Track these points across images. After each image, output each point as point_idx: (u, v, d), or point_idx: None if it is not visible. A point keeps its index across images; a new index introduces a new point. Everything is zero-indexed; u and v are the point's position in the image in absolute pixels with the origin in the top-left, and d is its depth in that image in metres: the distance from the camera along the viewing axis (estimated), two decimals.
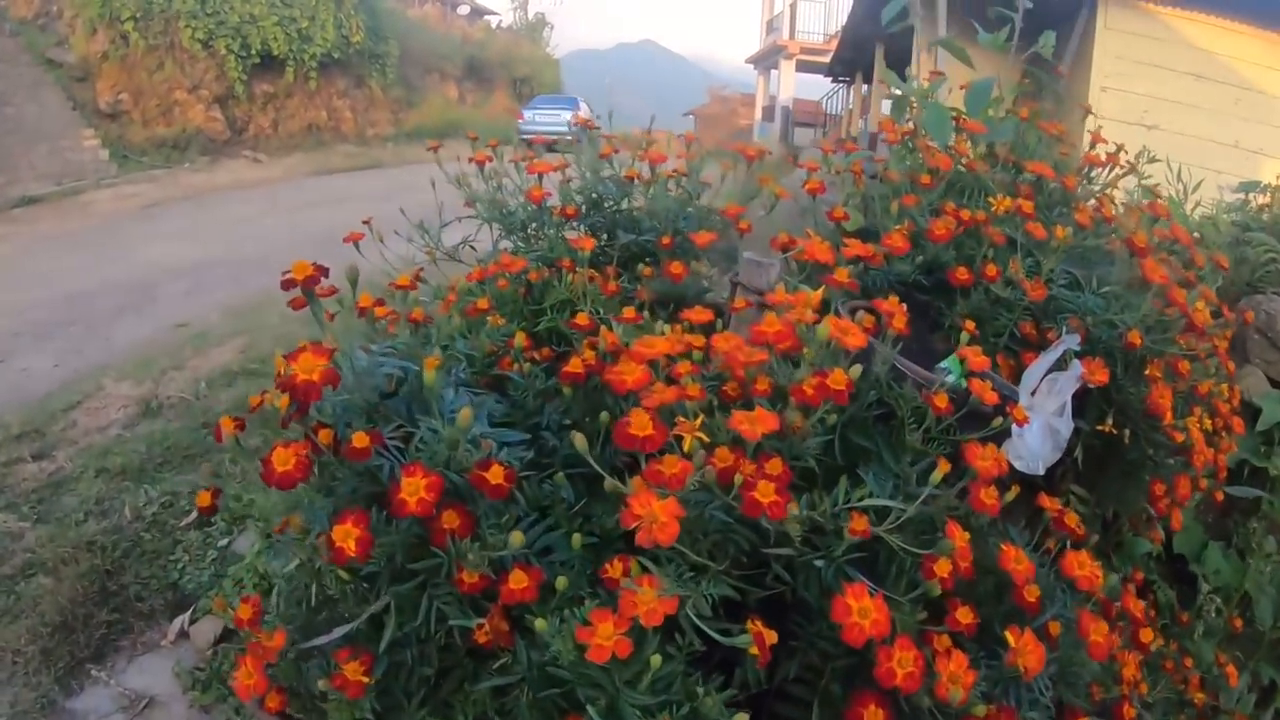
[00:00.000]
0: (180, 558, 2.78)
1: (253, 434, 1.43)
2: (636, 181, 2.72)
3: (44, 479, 3.37)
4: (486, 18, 36.22)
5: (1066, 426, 1.71)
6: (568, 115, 21.74)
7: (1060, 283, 2.14)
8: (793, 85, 25.27)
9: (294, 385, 1.22)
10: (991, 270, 2.09)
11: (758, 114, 28.57)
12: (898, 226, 2.21)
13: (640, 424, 1.27)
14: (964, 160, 2.60)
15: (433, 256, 2.79)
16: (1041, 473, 1.66)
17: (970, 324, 1.94)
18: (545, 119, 21.41)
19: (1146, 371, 2.02)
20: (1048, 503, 1.65)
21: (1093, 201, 2.68)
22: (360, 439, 1.27)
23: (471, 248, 2.89)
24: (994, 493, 1.40)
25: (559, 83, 31.13)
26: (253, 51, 16.72)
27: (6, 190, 12.25)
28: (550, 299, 2.39)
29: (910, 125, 2.94)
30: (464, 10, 35.67)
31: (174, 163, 14.29)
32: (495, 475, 1.32)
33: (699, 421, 1.34)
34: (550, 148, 15.28)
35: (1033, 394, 1.73)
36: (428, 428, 1.38)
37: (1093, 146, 2.81)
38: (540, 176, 2.59)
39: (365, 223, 2.81)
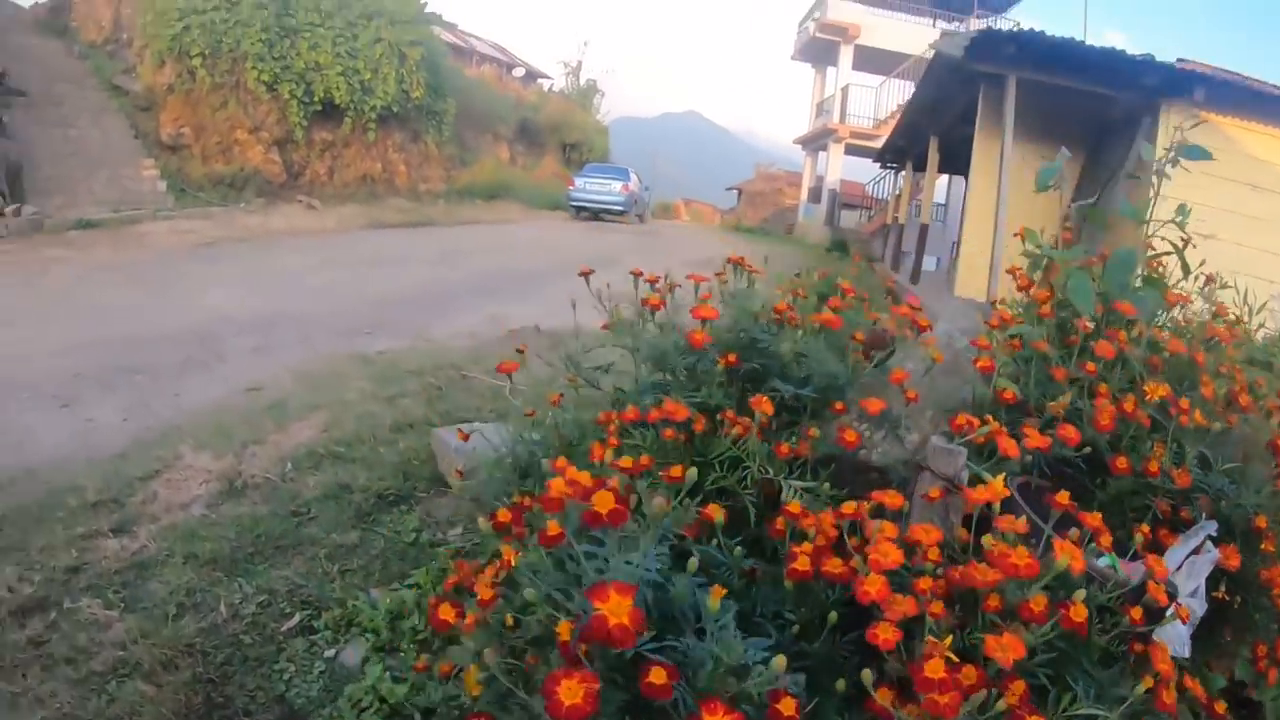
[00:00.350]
0: (285, 667, 2.62)
1: None
2: (787, 326, 2.67)
3: (127, 559, 3.24)
4: (540, 81, 37.17)
5: (1201, 606, 1.84)
6: (618, 186, 22.19)
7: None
8: (840, 168, 25.72)
9: (604, 630, 1.13)
10: (1154, 467, 2.17)
11: (804, 194, 29.10)
12: (1056, 401, 2.31)
13: (886, 635, 1.41)
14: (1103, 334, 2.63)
15: (575, 384, 2.72)
16: (1187, 655, 1.73)
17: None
18: (596, 188, 21.75)
19: (1263, 546, 2.13)
20: (1198, 689, 1.68)
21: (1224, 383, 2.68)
22: (658, 675, 1.18)
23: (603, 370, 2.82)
24: (1174, 692, 1.47)
25: (608, 150, 31.70)
26: (315, 98, 17.14)
27: (65, 211, 12.40)
28: (714, 452, 2.31)
29: (1042, 281, 2.98)
30: (519, 73, 36.72)
31: (230, 201, 14.50)
32: (788, 708, 1.25)
33: (948, 641, 1.42)
34: (597, 216, 15.68)
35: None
36: (707, 653, 1.29)
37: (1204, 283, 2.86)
38: (705, 322, 2.53)
39: (519, 351, 2.76)
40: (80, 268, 9.23)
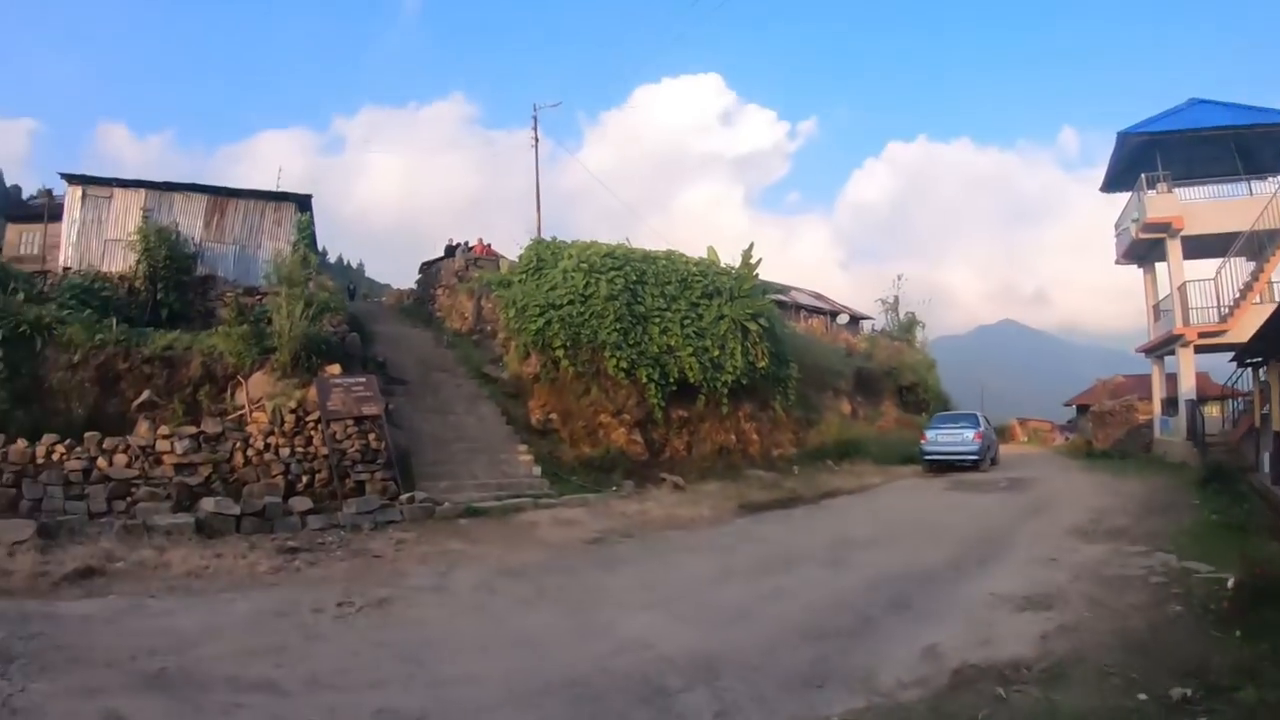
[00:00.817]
0: None
1: None
2: None
3: None
4: (862, 322, 37.57)
5: None
6: (970, 434, 20.94)
7: None
8: (1192, 375, 22.47)
9: None
10: None
11: (1156, 407, 26.50)
12: None
13: None
14: None
15: None
16: None
17: None
18: (948, 439, 20.96)
19: None
20: None
21: None
22: None
23: None
24: None
25: (938, 383, 30.74)
26: (670, 379, 17.70)
27: (452, 495, 12.84)
28: None
29: None
30: (843, 319, 37.40)
31: (601, 485, 14.76)
32: None
33: None
34: (952, 466, 13.82)
35: None
36: None
37: None
38: None
39: None
40: (482, 569, 9.19)
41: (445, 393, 16.83)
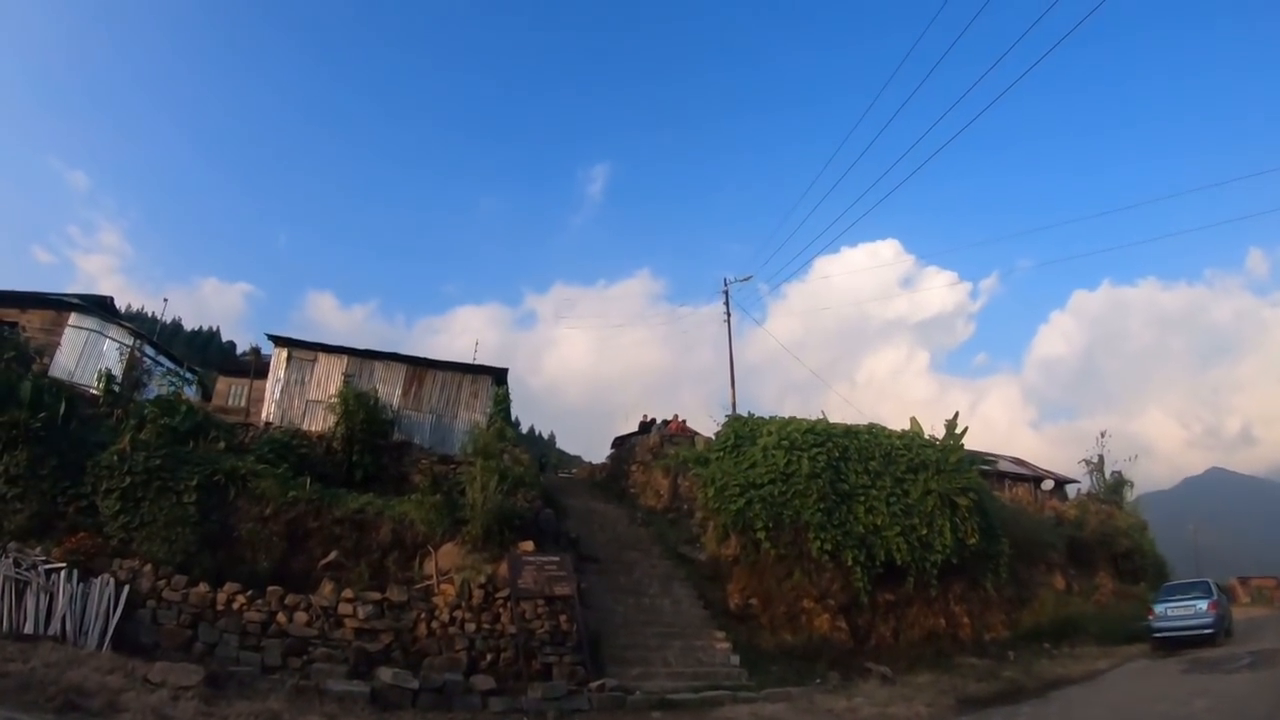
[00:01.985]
0: None
1: None
2: None
3: None
4: (1068, 486, 34.04)
5: None
6: (1204, 605, 17.43)
7: None
8: None
9: None
10: None
11: None
12: None
13: None
14: None
15: None
16: None
17: None
18: (1180, 613, 17.73)
19: None
20: None
21: None
22: None
23: None
24: None
25: (1153, 547, 27.02)
26: (876, 561, 15.76)
27: (642, 683, 11.41)
28: None
29: None
30: (1048, 485, 33.98)
31: (803, 676, 12.71)
32: None
33: None
34: (1183, 642, 10.45)
35: None
36: None
37: None
38: None
39: None
40: None
41: (639, 572, 15.69)
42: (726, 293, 29.21)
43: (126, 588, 10.79)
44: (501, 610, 12.00)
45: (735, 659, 12.95)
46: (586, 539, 16.36)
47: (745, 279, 29.42)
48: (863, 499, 16.54)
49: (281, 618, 10.92)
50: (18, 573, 10.59)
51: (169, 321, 48.15)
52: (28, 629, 10.16)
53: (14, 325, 18.42)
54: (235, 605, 10.88)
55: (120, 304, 23.27)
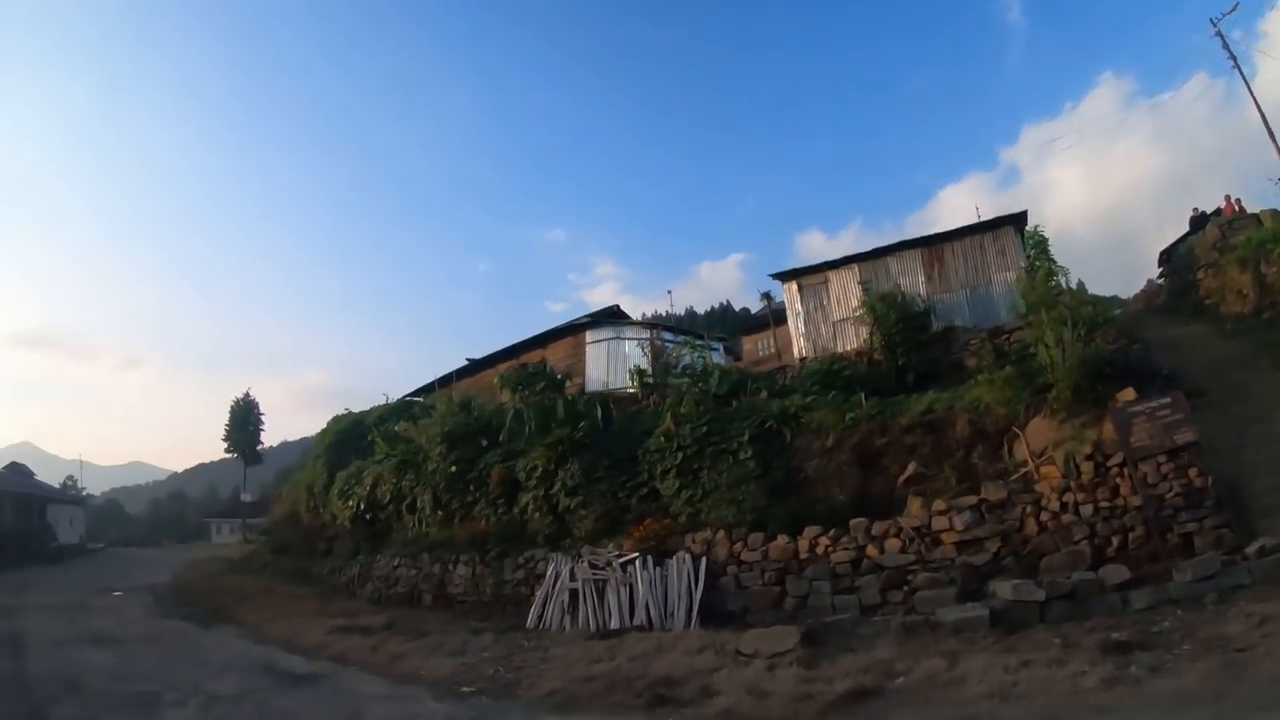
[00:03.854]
0: None
1: None
2: None
3: None
4: None
5: None
6: None
7: None
8: None
9: None
10: None
11: None
12: None
13: None
14: None
15: None
16: None
17: None
18: None
19: None
20: None
21: None
22: None
23: None
24: None
25: None
26: None
27: None
28: None
29: None
30: None
31: None
32: None
33: None
34: None
35: None
36: None
37: None
38: None
39: None
40: None
41: (1253, 396, 12.23)
42: (1220, 35, 24.20)
43: (703, 560, 11.31)
44: (1119, 480, 9.98)
45: None
46: (1179, 370, 12.97)
47: (1232, 9, 23.74)
48: None
49: (871, 550, 10.36)
50: (595, 573, 11.80)
51: (682, 312, 52.90)
52: (614, 624, 11.18)
53: (542, 362, 21.43)
54: (819, 549, 10.69)
55: (634, 315, 25.84)
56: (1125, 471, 9.87)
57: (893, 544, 10.35)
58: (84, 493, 63.76)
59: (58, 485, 52.94)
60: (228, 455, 43.79)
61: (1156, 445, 9.80)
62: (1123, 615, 8.14)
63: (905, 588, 9.94)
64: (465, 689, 8.35)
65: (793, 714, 6.05)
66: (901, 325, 15.54)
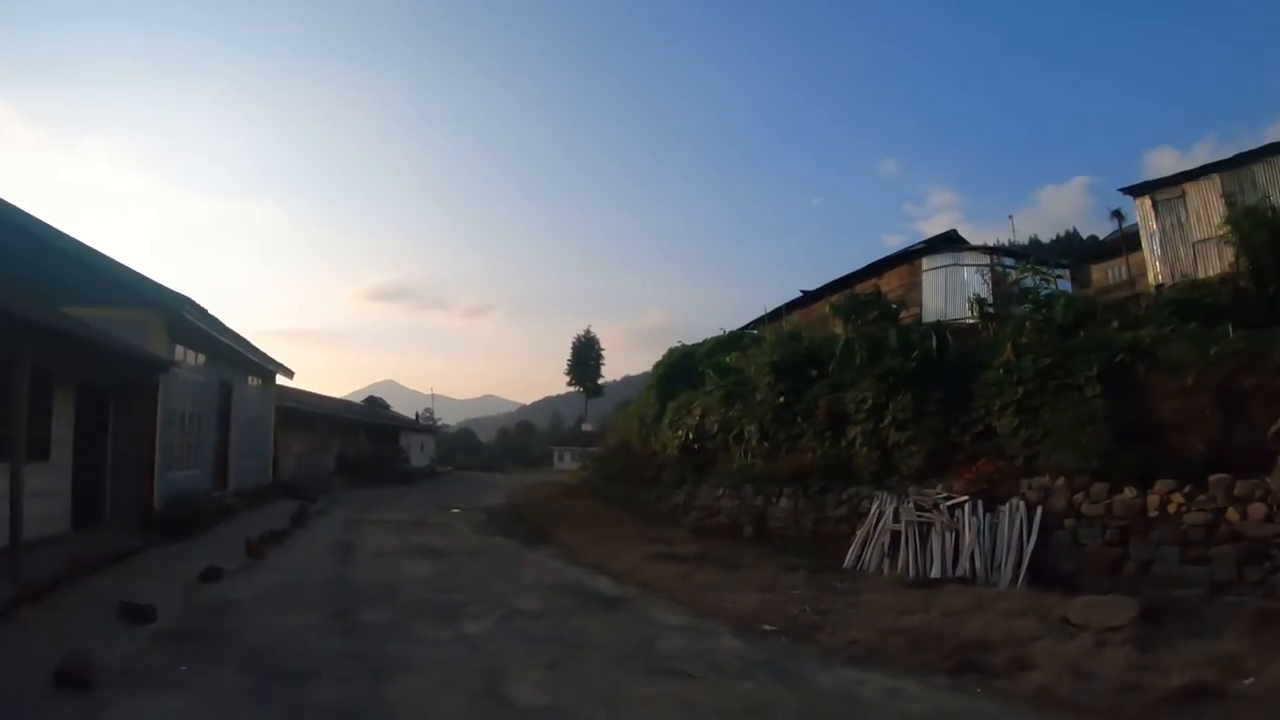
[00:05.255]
0: None
1: None
2: None
3: None
4: None
5: None
6: None
7: None
8: None
9: None
10: None
11: None
12: None
13: None
14: None
15: None
16: None
17: None
18: None
19: None
20: None
21: None
22: None
23: None
24: None
25: None
26: None
27: None
28: None
29: None
30: None
31: None
32: None
33: None
34: None
35: None
36: None
37: None
38: None
39: None
40: None
41: None
42: None
43: (1039, 510, 10.20)
44: None
45: None
46: None
47: None
48: None
49: (1232, 514, 8.73)
50: (919, 515, 11.09)
51: (1025, 240, 47.57)
52: (934, 573, 10.37)
53: (876, 291, 20.35)
54: (1170, 508, 9.18)
55: (974, 243, 23.59)
56: None
57: (1257, 509, 8.53)
58: (439, 422, 69.53)
59: (414, 416, 58.93)
60: (571, 389, 48.36)
61: None
62: None
63: (1268, 564, 8.18)
64: (767, 627, 8.29)
65: (1115, 706, 5.42)
66: (1273, 246, 12.77)
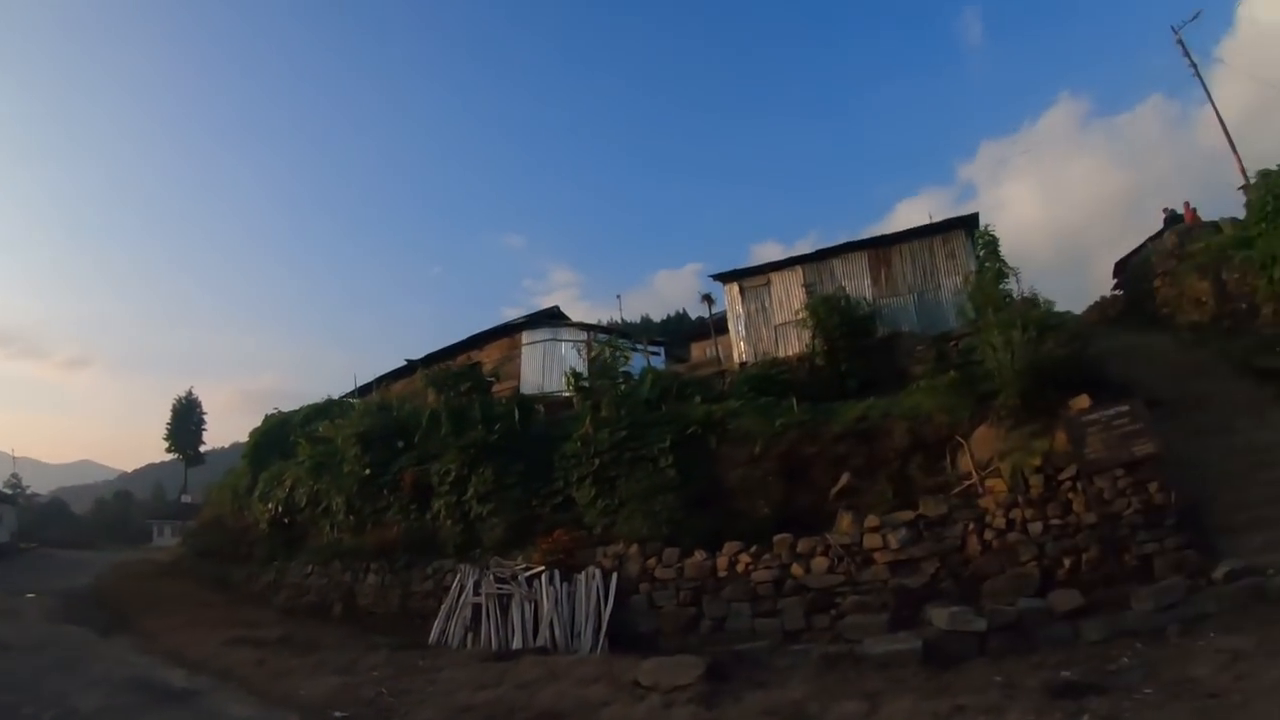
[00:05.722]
0: None
1: None
2: None
3: None
4: None
5: None
6: None
7: None
8: None
9: None
10: None
11: None
12: None
13: None
14: None
15: None
16: None
17: None
18: None
19: None
20: None
21: None
22: None
23: None
24: None
25: None
26: None
27: (1270, 556, 7.81)
28: None
29: None
30: None
31: None
32: None
33: None
34: None
35: None
36: None
37: None
38: None
39: None
40: None
41: (1215, 406, 11.59)
42: (1181, 43, 23.94)
43: (614, 576, 10.31)
44: (1071, 496, 9.06)
45: None
46: (1134, 380, 12.05)
47: (1194, 16, 23.35)
48: None
49: (796, 569, 9.31)
50: (499, 587, 10.75)
51: (636, 319, 52.03)
52: (516, 644, 10.17)
53: (471, 362, 20.24)
54: (739, 567, 9.65)
55: (588, 320, 24.98)
56: (1078, 486, 8.98)
57: (820, 563, 9.29)
58: (26, 490, 61.31)
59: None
60: (171, 456, 42.29)
61: (1113, 458, 8.92)
62: (1074, 649, 7.15)
63: (832, 612, 8.87)
64: (338, 714, 7.83)
65: None
66: (844, 329, 14.74)
